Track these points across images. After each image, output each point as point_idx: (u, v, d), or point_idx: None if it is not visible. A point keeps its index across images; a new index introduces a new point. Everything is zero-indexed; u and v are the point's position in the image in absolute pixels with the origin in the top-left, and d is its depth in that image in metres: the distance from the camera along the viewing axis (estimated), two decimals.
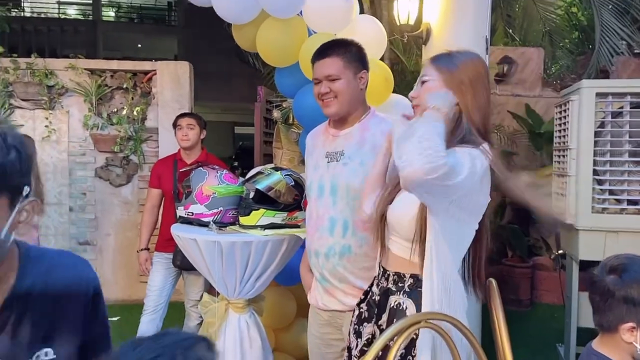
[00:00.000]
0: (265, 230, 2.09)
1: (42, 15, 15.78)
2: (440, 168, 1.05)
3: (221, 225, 2.16)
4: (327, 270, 1.74)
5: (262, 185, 2.13)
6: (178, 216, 2.24)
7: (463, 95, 1.29)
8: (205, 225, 2.15)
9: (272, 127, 4.90)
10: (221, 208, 2.16)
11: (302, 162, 2.88)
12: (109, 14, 17.89)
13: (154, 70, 4.61)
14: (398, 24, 2.69)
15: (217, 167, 2.28)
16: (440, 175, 1.06)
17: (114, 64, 4.60)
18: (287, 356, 2.87)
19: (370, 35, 2.40)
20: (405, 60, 4.48)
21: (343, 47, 1.70)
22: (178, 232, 2.11)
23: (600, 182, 2.64)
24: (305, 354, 2.92)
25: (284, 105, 3.75)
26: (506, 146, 4.84)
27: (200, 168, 2.22)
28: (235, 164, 14.40)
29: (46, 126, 4.45)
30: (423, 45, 2.68)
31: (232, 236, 2.04)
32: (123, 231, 4.66)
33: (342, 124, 1.76)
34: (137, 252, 3.09)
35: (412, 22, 2.66)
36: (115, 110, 4.56)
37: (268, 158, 4.65)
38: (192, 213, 2.16)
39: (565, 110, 2.78)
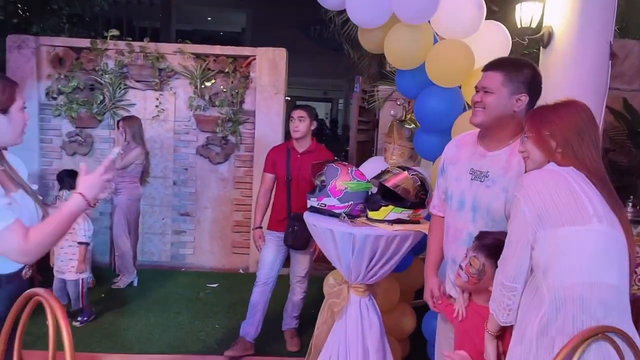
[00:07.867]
0: (393, 225, 2.28)
1: None
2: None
3: (350, 217, 2.37)
4: None
5: (390, 182, 2.32)
6: (309, 206, 2.45)
7: (566, 145, 1.46)
8: (336, 216, 2.37)
9: (365, 115, 5.07)
10: (352, 202, 2.36)
11: (412, 157, 3.03)
12: None
13: (254, 56, 4.85)
14: (519, 26, 2.72)
15: (346, 163, 2.47)
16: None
17: (217, 49, 4.87)
18: (389, 337, 3.08)
19: (496, 41, 2.48)
20: None
21: (512, 66, 1.71)
22: (314, 221, 2.33)
23: None
24: (405, 336, 3.14)
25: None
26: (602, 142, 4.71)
27: (332, 164, 2.42)
28: None
29: (156, 106, 4.83)
30: (542, 48, 2.72)
31: (365, 229, 2.25)
32: (219, 205, 5.02)
33: (491, 143, 1.78)
34: (252, 229, 3.38)
35: (534, 25, 2.69)
36: (216, 92, 4.86)
37: (361, 145, 4.84)
38: (325, 205, 2.37)
39: None
